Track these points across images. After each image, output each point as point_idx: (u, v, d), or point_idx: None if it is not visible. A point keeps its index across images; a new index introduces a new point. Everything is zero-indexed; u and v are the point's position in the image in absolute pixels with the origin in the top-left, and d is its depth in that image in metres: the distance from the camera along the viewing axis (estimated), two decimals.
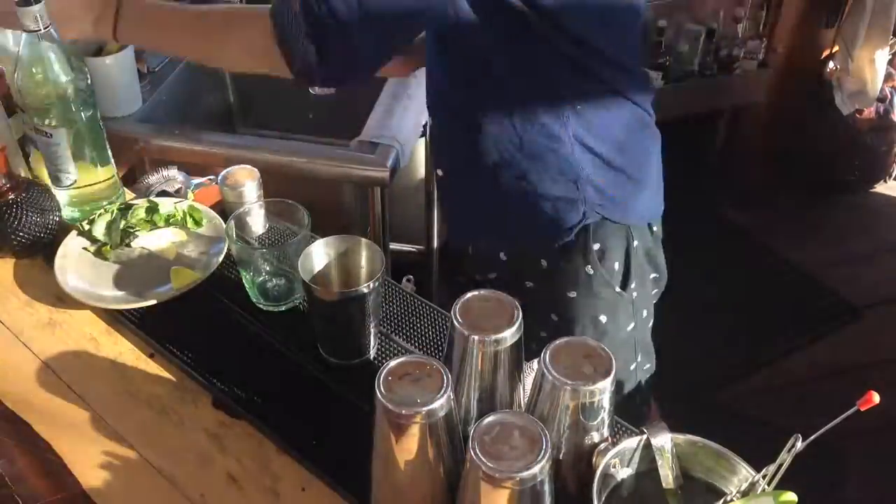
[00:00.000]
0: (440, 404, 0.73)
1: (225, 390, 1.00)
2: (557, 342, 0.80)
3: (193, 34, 1.12)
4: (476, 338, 0.82)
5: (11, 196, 1.15)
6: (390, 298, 1.14)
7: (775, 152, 3.15)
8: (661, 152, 1.24)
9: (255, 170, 1.17)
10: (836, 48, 2.98)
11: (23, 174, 1.27)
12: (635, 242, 1.18)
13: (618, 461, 0.79)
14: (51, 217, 1.18)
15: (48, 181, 1.22)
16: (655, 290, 1.29)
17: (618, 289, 1.19)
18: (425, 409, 0.72)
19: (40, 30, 1.06)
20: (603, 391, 0.77)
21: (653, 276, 1.26)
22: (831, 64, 3.02)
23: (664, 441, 0.79)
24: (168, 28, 1.13)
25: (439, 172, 1.27)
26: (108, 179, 1.23)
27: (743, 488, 0.76)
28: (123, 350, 1.07)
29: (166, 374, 1.03)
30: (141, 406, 0.99)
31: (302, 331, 1.05)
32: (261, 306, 1.11)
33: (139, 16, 1.11)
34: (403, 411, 0.72)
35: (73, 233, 1.19)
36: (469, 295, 0.85)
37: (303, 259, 0.97)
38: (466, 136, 1.14)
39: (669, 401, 1.61)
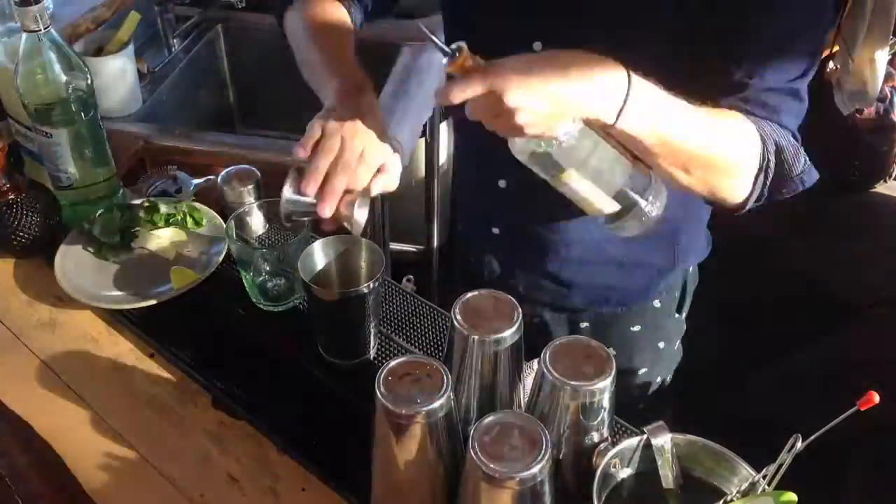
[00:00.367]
0: (440, 404, 0.72)
1: (225, 390, 1.00)
2: (557, 342, 0.80)
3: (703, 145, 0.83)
4: (476, 338, 0.82)
5: (11, 196, 1.15)
6: (390, 298, 1.14)
7: None
8: None
9: (255, 170, 1.17)
10: (836, 48, 2.98)
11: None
12: (691, 269, 1.18)
13: (618, 461, 0.79)
14: (51, 217, 1.18)
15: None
16: None
17: (676, 315, 1.18)
18: (425, 409, 0.72)
19: (40, 30, 1.06)
20: (603, 391, 0.77)
21: (694, 288, 1.25)
22: (831, 64, 3.02)
23: (664, 441, 0.79)
24: (678, 127, 0.82)
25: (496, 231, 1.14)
26: (108, 179, 1.23)
27: (743, 488, 0.76)
28: (123, 350, 1.07)
29: (166, 374, 1.03)
30: (141, 406, 0.99)
31: (302, 331, 1.05)
32: (261, 306, 1.11)
33: (653, 101, 0.80)
34: (403, 411, 0.72)
35: (73, 233, 1.19)
36: (469, 295, 0.85)
37: (303, 259, 0.97)
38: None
39: (669, 401, 1.61)
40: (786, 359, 2.39)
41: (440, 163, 1.93)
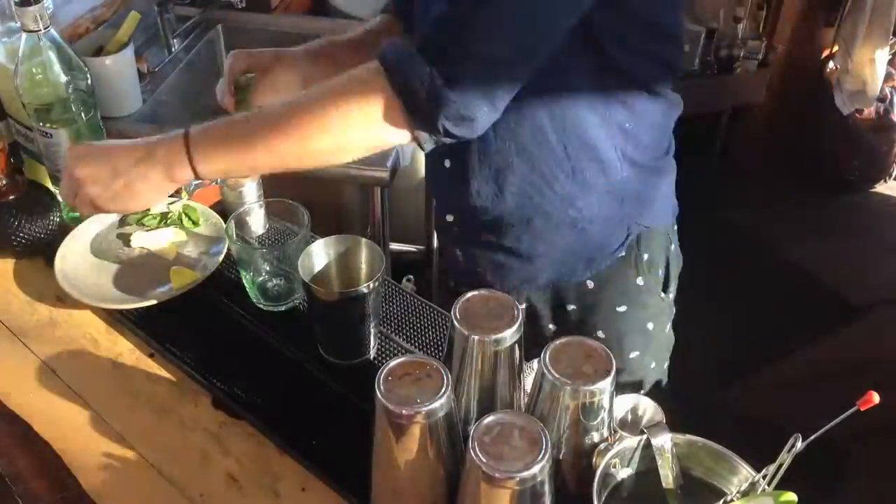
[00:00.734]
0: (440, 404, 0.73)
1: (225, 390, 1.00)
2: (557, 342, 0.80)
3: (286, 126, 0.91)
4: (476, 338, 0.82)
5: (11, 196, 1.15)
6: (390, 298, 1.14)
7: (775, 152, 3.15)
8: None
9: None
10: (835, 48, 2.99)
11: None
12: (672, 246, 1.18)
13: (618, 461, 0.79)
14: (51, 217, 1.18)
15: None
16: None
17: (661, 294, 1.18)
18: (425, 409, 0.72)
19: (40, 30, 1.06)
20: (603, 391, 0.77)
21: (679, 271, 1.25)
22: (831, 64, 3.02)
23: (664, 441, 0.79)
24: (250, 133, 0.93)
25: (450, 218, 1.17)
26: None
27: (743, 488, 0.76)
28: (123, 350, 1.07)
29: (166, 374, 1.03)
30: (141, 406, 0.99)
31: (302, 331, 1.05)
32: (261, 306, 1.11)
33: (212, 134, 0.95)
34: (403, 411, 0.72)
35: (73, 233, 1.19)
36: (469, 295, 0.85)
37: (303, 259, 0.97)
38: (508, 169, 1.05)
39: (669, 401, 1.61)
40: (786, 359, 2.39)
41: None
